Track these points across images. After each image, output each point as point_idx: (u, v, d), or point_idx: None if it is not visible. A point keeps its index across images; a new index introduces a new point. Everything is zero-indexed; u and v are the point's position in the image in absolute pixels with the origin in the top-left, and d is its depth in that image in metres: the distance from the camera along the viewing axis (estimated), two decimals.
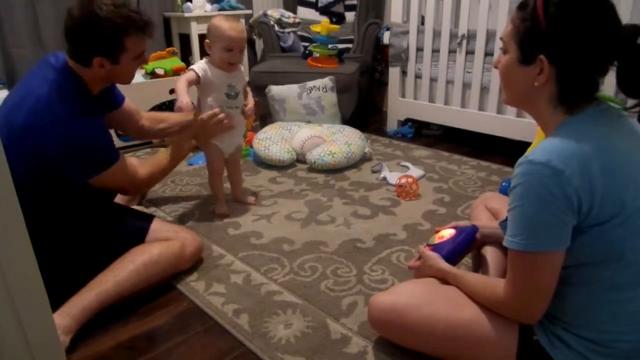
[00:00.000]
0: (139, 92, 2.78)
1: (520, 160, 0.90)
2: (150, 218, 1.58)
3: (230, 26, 1.76)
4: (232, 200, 2.11)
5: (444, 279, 1.17)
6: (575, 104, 0.93)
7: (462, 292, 1.10)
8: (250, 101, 1.98)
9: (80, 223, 1.45)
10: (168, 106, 2.94)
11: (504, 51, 0.99)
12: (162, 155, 1.74)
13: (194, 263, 1.61)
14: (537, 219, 0.87)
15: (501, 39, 0.99)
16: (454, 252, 1.25)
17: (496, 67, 1.03)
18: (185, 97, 1.68)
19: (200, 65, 1.80)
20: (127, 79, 1.50)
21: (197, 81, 1.79)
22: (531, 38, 0.91)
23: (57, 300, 1.25)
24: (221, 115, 1.81)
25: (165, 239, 1.51)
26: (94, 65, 1.37)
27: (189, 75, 1.78)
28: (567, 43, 0.88)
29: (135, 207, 1.94)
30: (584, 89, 0.93)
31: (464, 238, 1.27)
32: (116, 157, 1.44)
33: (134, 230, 1.52)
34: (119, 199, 1.83)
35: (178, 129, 1.93)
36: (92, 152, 1.39)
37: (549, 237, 0.88)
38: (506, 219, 0.94)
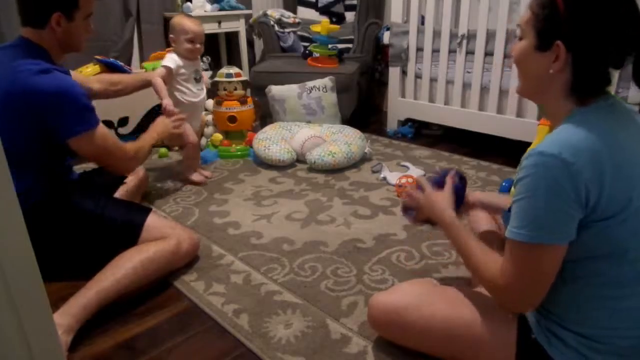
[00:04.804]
0: (138, 92, 2.78)
1: (530, 151, 0.89)
2: (147, 211, 1.59)
3: (191, 21, 2.20)
4: (184, 180, 2.35)
5: (441, 225, 1.16)
6: (587, 96, 0.92)
7: (459, 252, 1.09)
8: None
9: (79, 216, 1.47)
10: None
11: (520, 38, 0.98)
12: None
13: (189, 260, 1.62)
14: (545, 211, 0.86)
15: (518, 25, 0.99)
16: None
17: (510, 56, 1.02)
18: (169, 100, 2.06)
19: (172, 59, 2.17)
20: (79, 43, 1.52)
21: (168, 74, 2.14)
22: (549, 24, 0.91)
23: (55, 296, 1.26)
24: (180, 116, 2.05)
25: (162, 235, 1.52)
26: (51, 23, 1.40)
27: (161, 73, 2.12)
28: (585, 29, 0.87)
29: None
30: (597, 80, 0.92)
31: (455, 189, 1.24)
32: (97, 120, 1.48)
33: (131, 222, 1.53)
34: (120, 194, 1.85)
35: (132, 90, 2.10)
36: (75, 100, 1.41)
37: (555, 230, 0.87)
38: (509, 209, 0.93)
